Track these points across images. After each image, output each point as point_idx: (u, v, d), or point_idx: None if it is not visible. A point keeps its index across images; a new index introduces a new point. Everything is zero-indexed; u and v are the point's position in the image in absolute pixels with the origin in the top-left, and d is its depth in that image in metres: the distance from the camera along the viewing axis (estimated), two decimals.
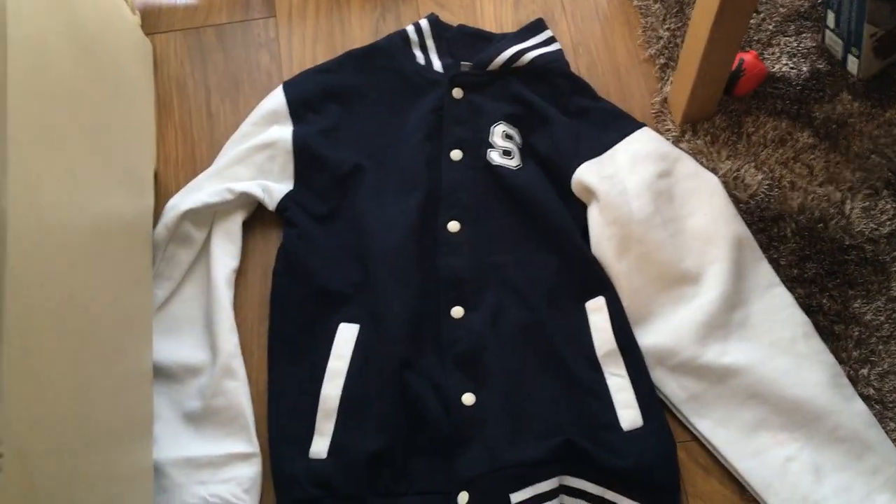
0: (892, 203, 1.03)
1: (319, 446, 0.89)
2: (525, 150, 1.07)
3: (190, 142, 1.12)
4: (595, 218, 1.00)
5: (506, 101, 1.09)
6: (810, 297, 0.98)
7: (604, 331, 0.94)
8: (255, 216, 1.06)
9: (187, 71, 1.17)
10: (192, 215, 1.01)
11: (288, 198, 1.03)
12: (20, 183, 0.62)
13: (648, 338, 0.95)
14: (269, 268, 1.02)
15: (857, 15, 1.07)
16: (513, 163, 1.05)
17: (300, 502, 0.87)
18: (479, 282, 0.98)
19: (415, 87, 1.11)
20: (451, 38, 1.15)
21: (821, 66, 1.13)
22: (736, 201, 1.02)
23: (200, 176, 1.05)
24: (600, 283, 0.97)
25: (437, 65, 1.13)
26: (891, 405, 0.92)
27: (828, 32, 1.13)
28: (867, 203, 1.03)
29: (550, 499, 0.86)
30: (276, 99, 1.09)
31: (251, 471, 0.90)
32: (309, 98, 1.09)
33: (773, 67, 1.14)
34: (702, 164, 1.05)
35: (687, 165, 1.03)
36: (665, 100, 1.12)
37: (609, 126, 1.06)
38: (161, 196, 1.06)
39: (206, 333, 0.98)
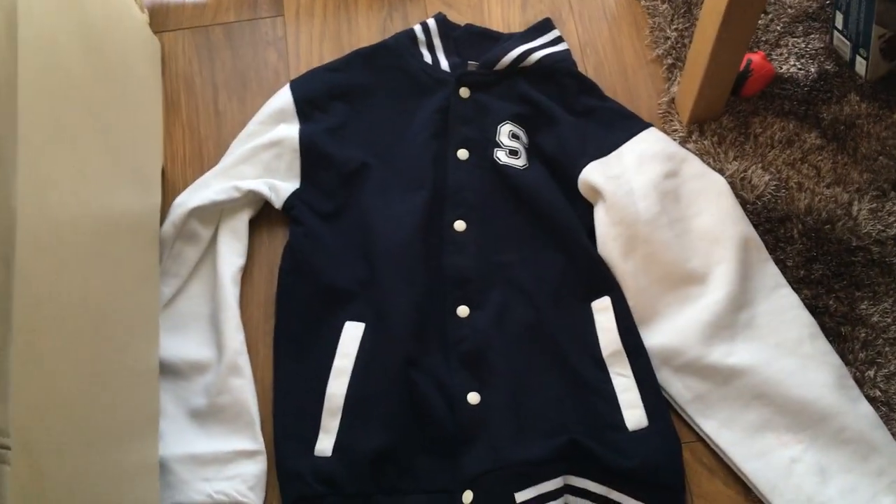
0: None
1: (324, 444, 0.90)
2: (531, 150, 1.07)
3: (197, 140, 1.12)
4: (601, 218, 1.00)
5: (513, 100, 1.09)
6: (817, 298, 0.98)
7: (609, 331, 0.94)
8: (262, 214, 1.06)
9: (195, 69, 1.17)
10: (199, 213, 1.01)
11: (294, 196, 1.04)
12: (30, 180, 0.62)
13: (654, 338, 0.95)
14: (276, 266, 1.02)
15: (866, 16, 1.07)
16: (519, 162, 1.05)
17: (305, 499, 0.88)
18: (484, 281, 0.98)
19: (422, 86, 1.11)
20: (459, 38, 1.15)
21: (829, 68, 1.13)
22: (743, 202, 1.02)
23: (207, 174, 1.05)
24: (606, 282, 0.97)
25: (445, 64, 1.13)
26: None
27: (836, 34, 1.13)
28: (875, 204, 1.03)
29: (555, 498, 0.86)
30: (283, 97, 1.10)
31: (256, 468, 0.91)
32: (316, 97, 1.10)
33: (781, 68, 1.13)
34: (709, 164, 1.05)
35: (694, 166, 1.03)
36: (672, 100, 1.12)
37: (616, 126, 1.06)
38: (168, 194, 1.06)
39: (212, 331, 0.98)
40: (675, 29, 1.16)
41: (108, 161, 0.84)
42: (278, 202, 1.04)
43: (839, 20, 1.12)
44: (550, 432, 0.89)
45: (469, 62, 1.13)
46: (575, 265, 0.98)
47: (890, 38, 1.08)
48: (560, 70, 1.11)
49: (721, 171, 1.04)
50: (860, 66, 1.11)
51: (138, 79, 1.01)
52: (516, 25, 1.20)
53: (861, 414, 0.89)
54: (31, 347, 0.59)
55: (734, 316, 0.94)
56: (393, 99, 1.11)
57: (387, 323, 0.94)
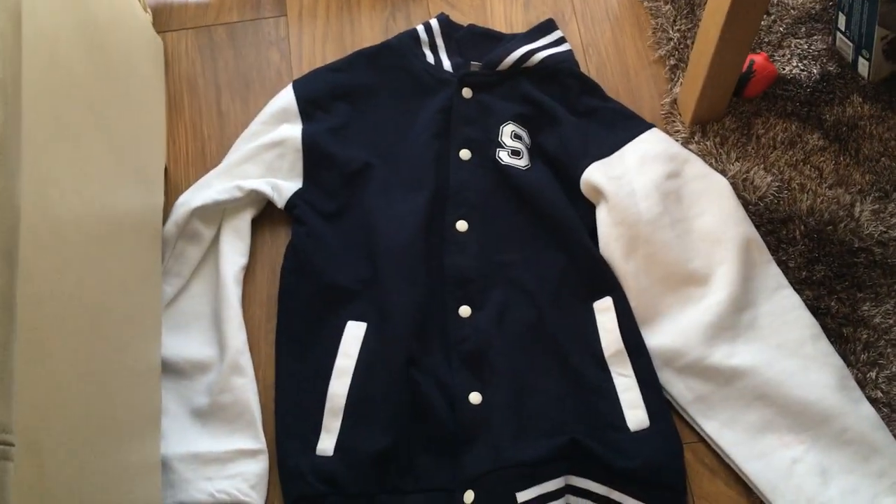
0: None
1: (326, 443, 0.90)
2: (534, 150, 1.07)
3: (200, 139, 1.13)
4: (603, 218, 1.00)
5: (515, 100, 1.09)
6: (819, 299, 0.98)
7: (611, 331, 0.95)
8: (264, 214, 1.06)
9: (198, 69, 1.17)
10: (201, 212, 1.01)
11: (297, 196, 1.04)
12: (33, 179, 0.62)
13: (656, 338, 0.95)
14: (278, 265, 1.02)
15: (869, 18, 1.07)
16: (521, 163, 1.05)
17: (306, 499, 0.88)
18: (486, 281, 0.98)
19: (424, 86, 1.11)
20: (461, 38, 1.16)
21: (831, 69, 1.13)
22: (745, 203, 1.02)
23: (210, 173, 1.06)
24: (608, 283, 0.97)
25: (447, 64, 1.13)
26: None
27: (839, 35, 1.13)
28: (877, 206, 1.03)
29: (556, 498, 0.86)
30: (286, 97, 1.10)
31: (258, 467, 0.91)
32: (318, 97, 1.10)
33: (784, 69, 1.13)
34: (711, 165, 1.05)
35: (696, 167, 1.03)
36: (675, 101, 1.12)
37: (618, 126, 1.06)
38: (171, 193, 1.07)
39: (214, 330, 0.98)
40: (678, 30, 1.16)
41: (110, 160, 0.84)
42: (281, 202, 1.04)
43: (842, 21, 1.12)
44: (552, 432, 0.90)
45: (472, 62, 1.13)
46: (577, 265, 0.99)
47: (893, 39, 1.08)
48: (563, 71, 1.11)
49: (723, 172, 1.04)
50: (863, 67, 1.11)
51: (141, 78, 1.01)
52: (519, 26, 1.20)
53: (862, 415, 0.88)
54: (34, 346, 0.60)
55: (736, 317, 0.94)
56: (395, 99, 1.11)
57: (389, 323, 0.94)
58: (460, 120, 1.08)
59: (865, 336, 0.96)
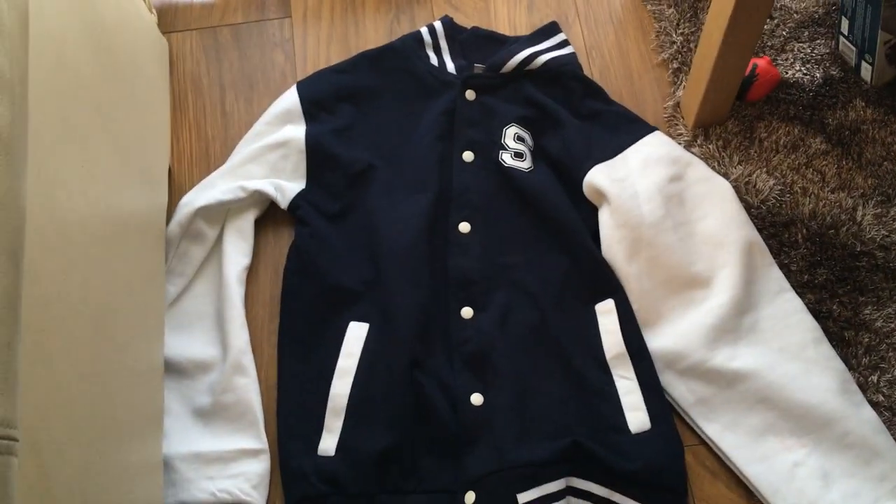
0: None
1: (328, 443, 0.90)
2: (537, 153, 1.07)
3: (204, 140, 1.13)
4: (605, 220, 1.00)
5: (518, 103, 1.09)
6: (820, 302, 0.98)
7: (613, 333, 0.95)
8: (268, 214, 1.07)
9: (202, 69, 1.18)
10: (204, 212, 1.02)
11: (300, 196, 1.04)
12: (39, 179, 0.63)
13: (658, 341, 0.95)
14: (281, 266, 1.03)
15: (872, 22, 1.07)
16: (524, 165, 1.05)
17: (308, 499, 0.88)
18: (488, 282, 0.99)
19: (428, 88, 1.12)
20: (465, 41, 1.16)
21: (834, 73, 1.13)
22: (747, 206, 1.02)
23: (214, 174, 1.06)
24: (610, 285, 0.97)
25: (451, 66, 1.14)
26: None
27: (842, 39, 1.13)
28: (879, 210, 1.03)
29: (557, 500, 0.86)
30: (290, 98, 1.10)
31: (259, 467, 0.91)
32: (322, 98, 1.10)
33: (787, 73, 1.13)
34: (713, 168, 1.05)
35: (698, 170, 1.03)
36: (678, 104, 1.12)
37: (621, 129, 1.07)
38: (175, 193, 1.07)
39: (216, 330, 0.99)
40: (681, 33, 1.16)
41: (115, 161, 0.85)
42: (284, 202, 1.04)
43: (845, 26, 1.12)
44: (553, 434, 0.90)
45: (475, 65, 1.13)
46: (579, 267, 0.99)
47: (895, 44, 1.08)
48: (566, 73, 1.11)
49: (726, 176, 1.05)
50: (866, 71, 1.11)
51: (146, 79, 1.02)
52: (522, 28, 1.20)
53: (864, 419, 0.89)
54: (39, 347, 0.60)
55: (738, 320, 0.94)
56: (399, 101, 1.11)
57: (391, 324, 0.95)
58: (463, 122, 1.08)
59: (867, 340, 0.96)
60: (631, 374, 0.93)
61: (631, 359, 0.93)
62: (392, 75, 1.13)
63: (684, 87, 1.12)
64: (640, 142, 1.05)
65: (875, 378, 0.94)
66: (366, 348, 0.94)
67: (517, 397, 0.92)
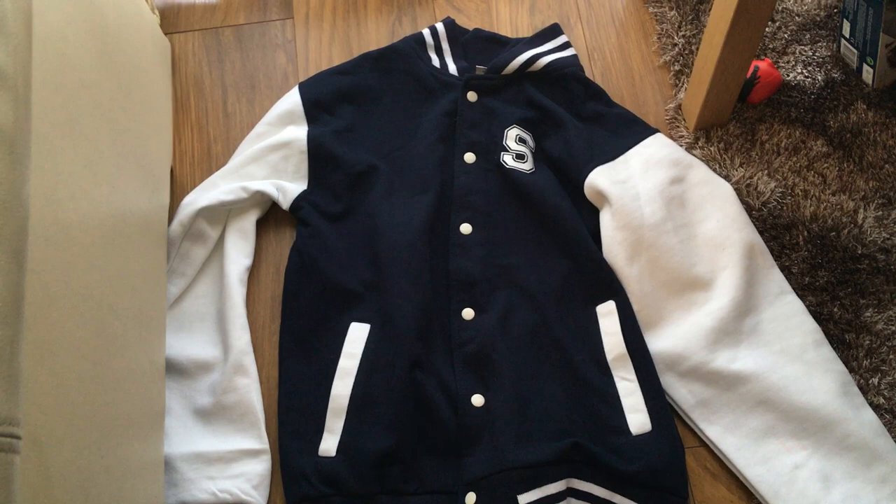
0: None
1: (329, 444, 0.90)
2: (538, 154, 1.07)
3: (206, 140, 1.13)
4: (607, 222, 1.00)
5: (520, 105, 1.10)
6: (821, 305, 0.98)
7: (614, 335, 0.95)
8: (269, 215, 1.07)
9: (205, 70, 1.18)
10: (206, 213, 1.02)
11: (302, 197, 1.04)
12: (42, 178, 0.63)
13: (658, 343, 0.95)
14: (282, 266, 1.03)
15: (873, 25, 1.07)
16: (526, 166, 1.05)
17: (309, 499, 0.88)
18: (490, 284, 0.99)
19: (429, 89, 1.12)
20: (467, 42, 1.16)
21: (836, 76, 1.13)
22: (748, 208, 1.02)
23: (216, 174, 1.06)
24: (611, 287, 0.97)
25: (452, 68, 1.14)
26: None
27: (843, 42, 1.13)
28: (880, 213, 1.03)
29: (558, 501, 0.86)
30: (292, 99, 1.10)
31: (260, 467, 0.91)
32: (324, 99, 1.10)
33: (788, 76, 1.14)
34: (715, 170, 1.05)
35: (699, 172, 1.03)
36: (679, 106, 1.13)
37: (622, 131, 1.07)
38: (177, 193, 1.07)
39: (218, 330, 0.99)
40: (683, 36, 1.17)
41: (117, 160, 0.85)
42: (286, 203, 1.04)
43: (846, 28, 1.12)
44: (554, 435, 0.90)
45: (477, 66, 1.13)
46: (580, 269, 0.99)
47: None
48: (567, 75, 1.11)
49: (727, 178, 1.05)
50: (867, 74, 1.11)
51: (149, 79, 1.02)
52: (524, 30, 1.20)
53: (865, 421, 0.89)
54: (41, 346, 0.60)
55: (739, 322, 0.94)
56: (401, 102, 1.11)
57: (392, 324, 0.95)
58: (465, 123, 1.08)
59: (868, 342, 0.96)
60: (632, 375, 0.93)
61: (632, 360, 0.93)
62: (394, 76, 1.13)
63: (686, 89, 1.12)
64: (642, 144, 1.05)
65: (876, 380, 0.94)
66: (367, 349, 0.94)
67: (518, 398, 0.92)
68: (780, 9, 1.19)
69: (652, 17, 1.20)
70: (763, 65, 1.11)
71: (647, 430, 0.90)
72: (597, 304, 0.97)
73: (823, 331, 0.94)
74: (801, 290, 0.98)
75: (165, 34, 1.17)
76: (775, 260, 0.99)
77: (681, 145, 1.08)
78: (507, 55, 1.12)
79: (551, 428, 0.91)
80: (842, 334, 0.96)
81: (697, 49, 1.11)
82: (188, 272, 1.01)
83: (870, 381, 0.94)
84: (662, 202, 0.99)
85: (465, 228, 1.02)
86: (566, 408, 0.92)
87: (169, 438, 0.92)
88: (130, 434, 0.79)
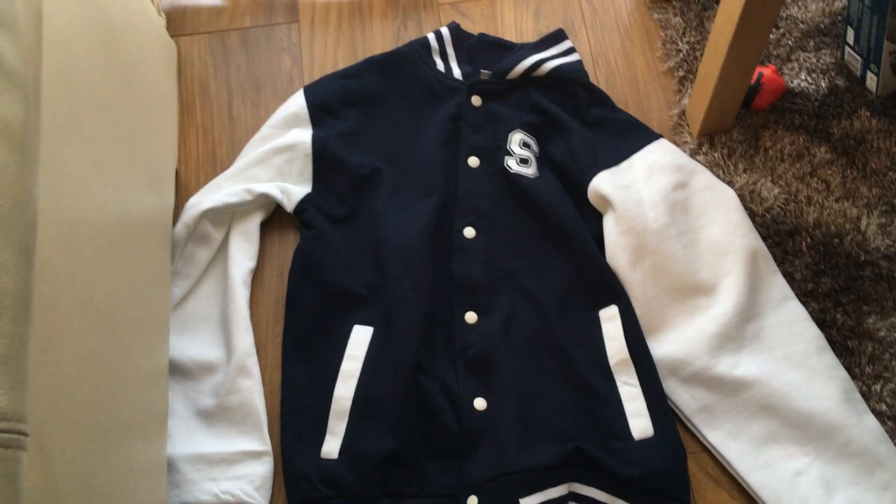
0: None
1: (331, 446, 0.90)
2: (542, 159, 1.07)
3: (211, 142, 1.13)
4: (610, 227, 1.01)
5: (524, 109, 1.10)
6: (824, 311, 0.98)
7: (616, 339, 0.95)
8: (273, 217, 1.07)
9: (210, 73, 1.18)
10: (211, 215, 1.02)
11: (306, 200, 1.05)
12: (49, 178, 0.63)
13: (661, 348, 0.95)
14: (286, 268, 1.03)
15: (877, 32, 1.07)
16: (530, 171, 1.05)
17: (310, 501, 0.88)
18: (493, 287, 0.99)
19: (434, 93, 1.12)
20: (472, 47, 1.16)
21: (839, 83, 1.14)
22: (751, 214, 1.03)
23: (220, 176, 1.06)
24: (614, 291, 0.97)
25: (457, 72, 1.14)
26: None
27: (847, 49, 1.14)
28: (883, 220, 1.03)
29: None
30: (297, 102, 1.11)
31: (263, 469, 0.91)
32: (329, 102, 1.11)
33: (792, 82, 1.14)
34: (718, 176, 1.05)
35: (703, 178, 1.03)
36: (683, 112, 1.13)
37: (626, 136, 1.07)
38: (181, 195, 1.07)
39: (221, 332, 0.99)
40: (687, 42, 1.17)
41: (123, 161, 0.85)
42: (290, 206, 1.04)
43: (850, 36, 1.12)
44: (556, 439, 0.90)
45: (482, 71, 1.14)
46: (583, 273, 0.99)
47: None
48: (572, 80, 1.11)
49: (730, 184, 1.05)
50: (871, 81, 1.12)
51: (154, 81, 1.02)
52: (529, 35, 1.21)
53: (867, 428, 0.89)
54: (45, 345, 0.60)
55: (741, 327, 0.94)
56: (405, 106, 1.12)
57: (395, 328, 0.95)
58: (469, 127, 1.08)
59: (871, 349, 0.96)
60: (634, 380, 0.93)
61: (634, 365, 0.93)
62: (398, 80, 1.13)
63: (690, 95, 1.12)
64: (645, 149, 1.05)
65: (878, 387, 0.94)
66: (370, 352, 0.95)
67: (520, 402, 0.92)
68: (784, 16, 1.19)
69: (656, 24, 1.21)
70: (767, 71, 1.11)
71: (649, 435, 0.90)
72: (600, 309, 0.97)
73: (826, 337, 0.94)
74: (803, 297, 0.98)
75: (171, 37, 1.18)
76: (778, 266, 0.99)
77: (684, 151, 1.08)
78: (512, 60, 1.12)
79: (553, 432, 0.91)
80: (844, 341, 0.96)
81: (701, 55, 1.12)
82: (192, 274, 1.01)
83: (872, 388, 0.94)
84: (666, 207, 0.99)
85: (469, 232, 1.02)
86: (568, 412, 0.92)
87: (171, 439, 0.92)
88: (133, 434, 0.79)
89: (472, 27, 1.21)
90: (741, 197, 1.02)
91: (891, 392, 0.94)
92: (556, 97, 1.10)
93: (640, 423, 0.90)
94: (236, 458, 0.91)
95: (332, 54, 1.20)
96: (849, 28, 1.12)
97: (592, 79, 1.15)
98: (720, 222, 0.99)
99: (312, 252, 1.01)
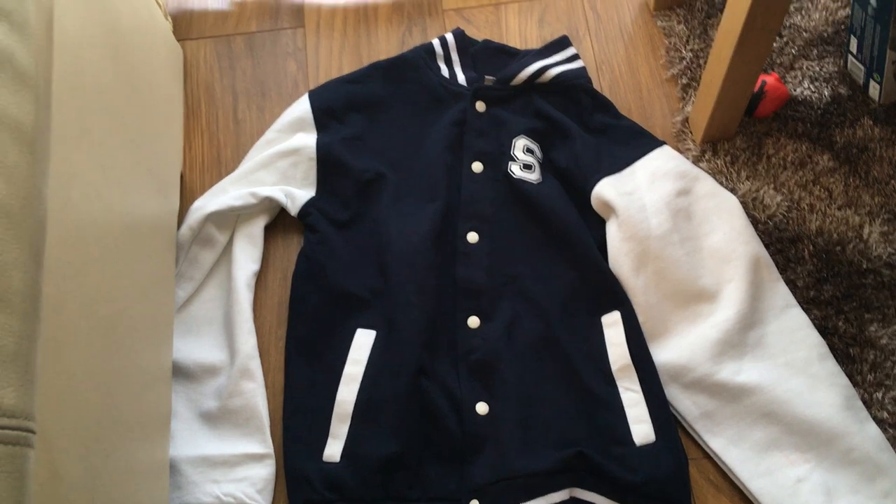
0: None
1: (333, 449, 0.90)
2: (545, 165, 1.08)
3: (216, 146, 1.14)
4: (613, 233, 1.01)
5: (528, 115, 1.10)
6: (826, 319, 0.98)
7: (619, 345, 0.95)
8: (277, 221, 1.08)
9: (216, 77, 1.19)
10: (215, 218, 1.02)
11: (310, 204, 1.05)
12: (57, 179, 0.64)
13: (663, 354, 0.95)
14: (289, 272, 1.03)
15: (880, 41, 1.08)
16: (533, 176, 1.06)
17: None
18: (495, 292, 0.99)
19: (438, 99, 1.13)
20: (476, 53, 1.17)
21: (842, 91, 1.14)
22: (754, 222, 1.03)
23: (225, 179, 1.07)
24: (616, 297, 0.98)
25: (461, 78, 1.15)
26: None
27: (850, 58, 1.14)
28: (886, 228, 1.03)
29: None
30: (302, 107, 1.11)
31: (265, 471, 0.91)
32: (333, 107, 1.11)
33: (795, 90, 1.14)
34: (721, 183, 1.05)
35: (706, 185, 1.03)
36: (686, 119, 1.13)
37: (630, 143, 1.07)
38: (186, 198, 1.08)
39: (225, 334, 0.99)
40: (691, 49, 1.17)
41: (129, 164, 0.85)
42: (294, 209, 1.05)
43: (853, 44, 1.13)
44: (558, 444, 0.90)
45: (486, 77, 1.14)
46: (586, 279, 0.99)
47: None
48: (576, 87, 1.12)
49: (733, 191, 1.05)
50: (874, 90, 1.12)
51: (161, 85, 1.03)
52: (533, 42, 1.21)
53: (869, 435, 0.89)
54: (51, 345, 0.60)
55: (743, 334, 0.94)
56: (410, 111, 1.12)
57: (398, 331, 0.95)
58: (473, 133, 1.09)
59: (872, 356, 0.96)
60: (636, 386, 0.93)
61: (636, 371, 0.94)
62: (403, 86, 1.14)
63: (693, 102, 1.13)
64: (649, 156, 1.06)
65: (880, 395, 0.94)
66: (372, 355, 0.95)
67: (522, 407, 0.92)
68: (787, 24, 1.19)
69: (660, 31, 1.21)
70: (770, 79, 1.11)
71: (650, 441, 0.90)
72: (602, 314, 0.97)
73: (828, 345, 0.95)
74: (806, 304, 0.98)
75: (178, 41, 1.18)
76: (780, 273, 0.99)
77: (687, 158, 1.09)
78: (516, 66, 1.12)
79: (555, 437, 0.91)
80: (846, 348, 0.97)
81: (705, 63, 1.12)
82: (196, 276, 1.02)
83: (874, 396, 0.94)
84: (669, 214, 0.99)
85: (472, 237, 1.02)
86: (570, 417, 0.92)
87: (174, 441, 0.92)
88: (137, 436, 0.79)
89: (477, 33, 1.21)
90: (744, 204, 1.03)
91: (892, 400, 0.94)
92: (560, 103, 1.11)
93: (641, 429, 0.91)
94: (238, 460, 0.91)
95: (337, 59, 1.20)
96: (852, 37, 1.13)
97: (596, 86, 1.15)
98: (723, 229, 0.99)
99: (316, 256, 1.02)
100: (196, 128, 1.15)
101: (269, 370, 0.99)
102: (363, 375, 0.93)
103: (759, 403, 0.91)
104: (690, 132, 1.12)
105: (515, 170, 1.06)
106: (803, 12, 1.20)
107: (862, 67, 1.12)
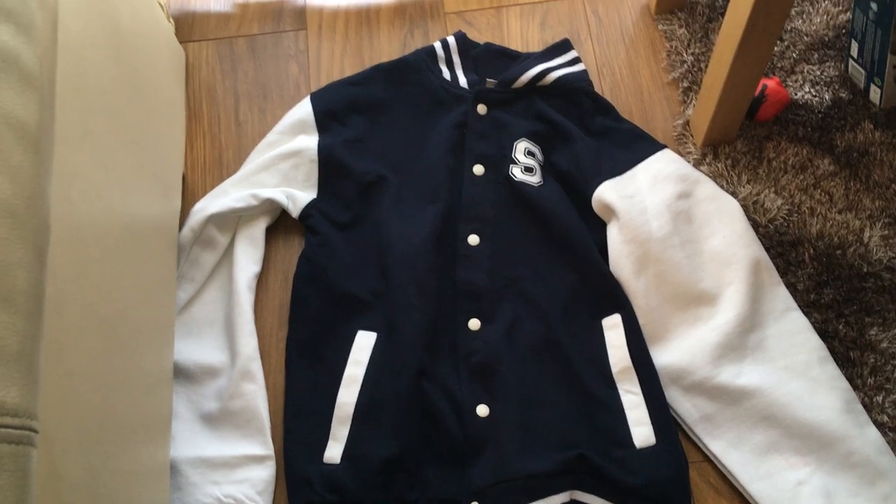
0: None
1: (334, 451, 0.90)
2: (546, 168, 1.08)
3: (217, 148, 1.14)
4: (614, 236, 1.01)
5: (529, 118, 1.10)
6: (826, 322, 0.98)
7: (619, 348, 0.95)
8: (279, 223, 1.08)
9: (218, 79, 1.19)
10: (217, 219, 1.03)
11: (311, 206, 1.05)
12: (59, 180, 0.64)
13: (663, 357, 0.95)
14: (291, 273, 1.03)
15: (881, 45, 1.08)
16: (534, 179, 1.06)
17: None
18: (496, 295, 0.99)
19: (440, 101, 1.13)
20: (478, 56, 1.17)
21: (843, 95, 1.14)
22: (755, 225, 1.03)
23: (226, 181, 1.07)
24: (617, 300, 0.98)
25: (463, 81, 1.15)
26: None
27: (851, 62, 1.14)
28: (886, 232, 1.04)
29: None
30: (303, 109, 1.11)
31: (265, 473, 0.91)
32: (335, 109, 1.11)
33: (796, 94, 1.14)
34: (722, 187, 1.06)
35: (707, 188, 1.03)
36: (687, 123, 1.13)
37: (630, 146, 1.08)
38: (188, 199, 1.08)
39: (225, 336, 0.99)
40: (692, 53, 1.18)
41: (131, 165, 0.85)
42: (295, 211, 1.05)
43: (854, 48, 1.13)
44: (558, 446, 0.90)
45: (487, 79, 1.14)
46: (587, 282, 0.99)
47: None
48: (577, 90, 1.12)
49: (734, 194, 1.05)
50: (874, 94, 1.12)
51: (163, 87, 1.03)
52: (535, 45, 1.21)
53: (869, 439, 0.89)
54: (52, 346, 0.60)
55: (744, 338, 0.94)
56: (411, 114, 1.12)
57: (398, 333, 0.95)
58: (474, 135, 1.09)
59: (873, 360, 0.96)
60: (636, 388, 0.93)
61: (637, 373, 0.94)
62: (405, 88, 1.14)
63: (694, 106, 1.13)
64: (650, 159, 1.06)
65: (880, 398, 0.94)
66: (373, 357, 0.95)
67: (523, 409, 0.92)
68: (788, 28, 1.20)
69: (661, 35, 1.21)
70: (771, 83, 1.11)
71: (651, 444, 0.90)
72: (603, 317, 0.97)
73: (828, 348, 0.95)
74: (806, 308, 0.98)
75: (180, 43, 1.18)
76: (781, 277, 0.99)
77: (688, 161, 1.09)
78: (518, 69, 1.13)
79: (555, 439, 0.91)
80: (847, 352, 0.97)
81: (706, 66, 1.12)
82: (197, 278, 1.02)
83: (874, 399, 0.94)
84: (670, 217, 0.99)
85: (473, 239, 1.02)
86: (571, 419, 0.92)
87: (175, 443, 0.92)
88: (137, 437, 0.79)
89: (479, 36, 1.21)
90: (744, 208, 1.03)
91: (892, 403, 0.94)
92: (561, 106, 1.11)
93: (642, 432, 0.91)
94: (239, 462, 0.91)
95: (338, 62, 1.20)
96: (852, 41, 1.13)
97: (597, 89, 1.16)
98: (723, 232, 1.00)
99: (317, 257, 1.02)
100: (198, 129, 1.15)
101: (270, 372, 0.99)
102: (364, 377, 0.93)
103: (759, 406, 0.91)
104: (691, 135, 1.12)
105: (516, 172, 1.06)
106: (804, 16, 1.20)
107: (863, 71, 1.13)
